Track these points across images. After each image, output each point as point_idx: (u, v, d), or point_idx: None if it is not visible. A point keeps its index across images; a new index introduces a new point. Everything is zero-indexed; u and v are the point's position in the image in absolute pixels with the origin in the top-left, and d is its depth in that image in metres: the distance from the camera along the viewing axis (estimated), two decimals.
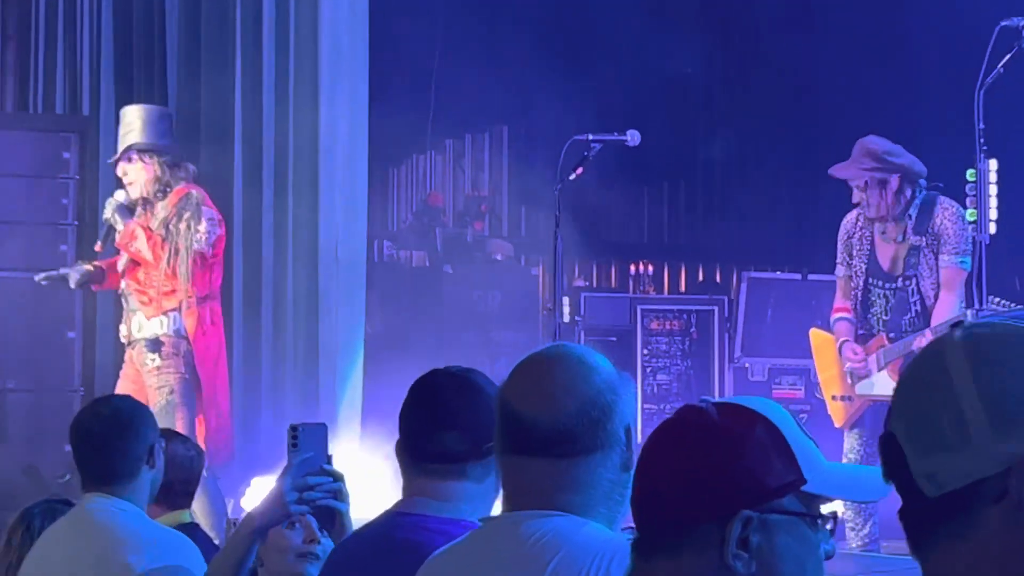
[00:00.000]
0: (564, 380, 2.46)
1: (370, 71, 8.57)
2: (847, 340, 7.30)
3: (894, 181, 7.13)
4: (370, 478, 7.68)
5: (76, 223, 8.74)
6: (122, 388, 7.68)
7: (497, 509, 2.65)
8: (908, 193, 7.14)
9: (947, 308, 7.03)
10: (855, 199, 7.24)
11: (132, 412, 4.00)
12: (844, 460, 7.12)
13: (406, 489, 2.99)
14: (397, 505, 3.01)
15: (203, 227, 7.56)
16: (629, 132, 7.53)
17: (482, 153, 12.33)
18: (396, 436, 2.99)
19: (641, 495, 1.80)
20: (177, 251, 7.57)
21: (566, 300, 8.98)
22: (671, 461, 1.78)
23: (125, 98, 9.03)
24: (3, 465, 8.13)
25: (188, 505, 4.92)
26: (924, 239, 7.09)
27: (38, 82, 9.75)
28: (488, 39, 11.49)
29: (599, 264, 12.13)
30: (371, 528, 3.06)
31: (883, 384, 7.15)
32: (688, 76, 12.16)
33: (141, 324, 7.75)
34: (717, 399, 1.88)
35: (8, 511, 4.40)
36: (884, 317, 7.23)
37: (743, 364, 9.54)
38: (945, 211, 7.08)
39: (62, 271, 7.96)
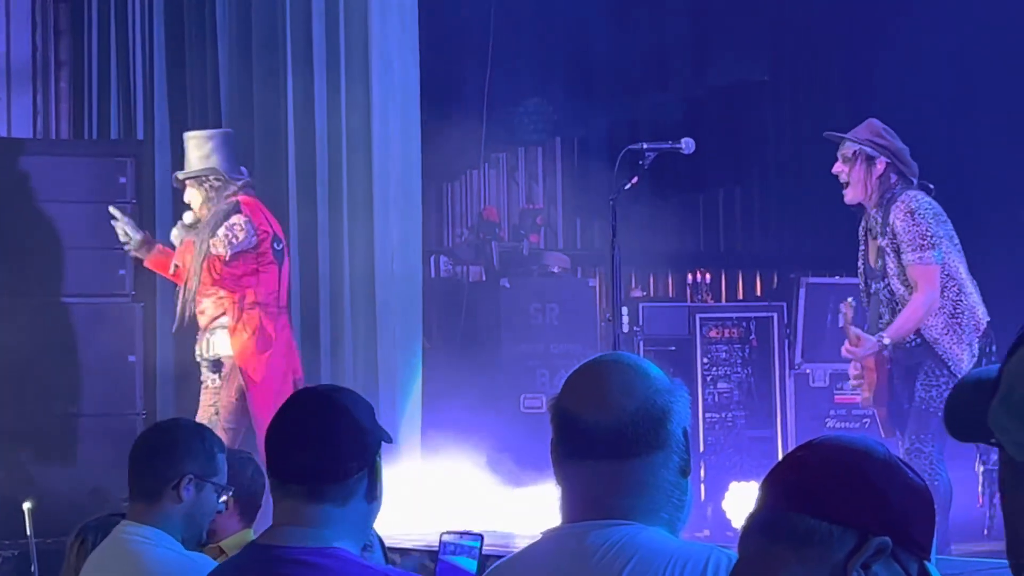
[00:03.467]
0: (621, 383, 2.47)
1: (421, 87, 8.57)
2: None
3: (880, 164, 6.77)
4: (431, 492, 7.68)
5: None
6: (200, 413, 7.86)
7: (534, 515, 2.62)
8: (893, 181, 6.77)
9: (911, 309, 6.67)
10: (835, 170, 6.86)
11: (177, 435, 3.88)
12: None
13: (275, 513, 2.93)
14: (264, 536, 2.93)
15: (221, 231, 7.78)
16: (684, 140, 7.49)
17: (535, 166, 12.33)
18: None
19: (796, 481, 1.82)
20: (199, 255, 7.80)
21: (625, 310, 8.96)
22: (847, 464, 1.81)
23: (179, 121, 9.08)
24: (71, 489, 8.18)
25: (251, 524, 4.92)
26: (886, 238, 6.76)
27: (92, 108, 9.83)
28: (539, 52, 11.49)
29: (656, 274, 12.09)
30: (234, 565, 2.98)
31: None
32: (741, 82, 12.12)
33: (209, 344, 7.92)
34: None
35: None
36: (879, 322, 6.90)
37: (804, 370, 9.48)
38: (898, 207, 6.71)
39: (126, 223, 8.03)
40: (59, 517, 7.16)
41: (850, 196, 6.92)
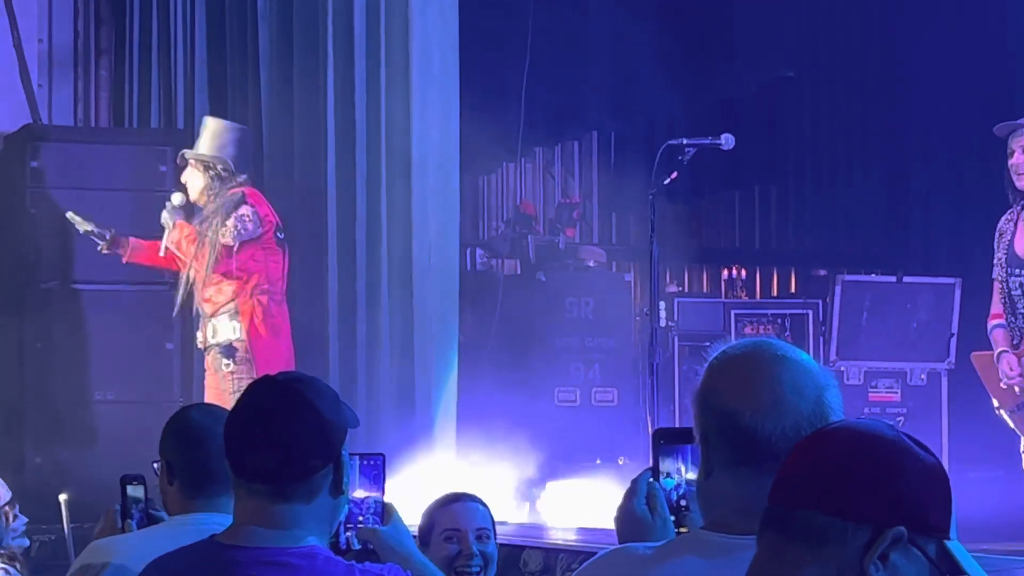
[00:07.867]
0: (791, 381, 2.30)
1: (460, 80, 8.59)
2: (1004, 351, 6.85)
3: None
4: (465, 483, 7.71)
5: None
6: (208, 396, 7.92)
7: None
8: None
9: None
10: (1015, 161, 6.74)
11: None
12: None
13: (235, 511, 2.85)
14: (226, 535, 2.82)
15: (231, 221, 7.97)
16: (723, 136, 7.49)
17: (571, 160, 12.33)
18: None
19: (806, 476, 1.81)
20: (204, 244, 7.97)
21: (662, 305, 8.97)
22: (857, 455, 1.80)
23: (219, 111, 9.13)
24: (107, 475, 8.23)
25: None
26: None
27: (133, 96, 9.88)
28: (578, 46, 11.49)
29: (691, 269, 12.08)
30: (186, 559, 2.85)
31: None
32: (778, 79, 12.10)
33: (216, 330, 8.05)
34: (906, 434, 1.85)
35: None
36: None
37: (838, 368, 9.46)
38: None
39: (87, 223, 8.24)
40: (95, 503, 7.22)
41: None
